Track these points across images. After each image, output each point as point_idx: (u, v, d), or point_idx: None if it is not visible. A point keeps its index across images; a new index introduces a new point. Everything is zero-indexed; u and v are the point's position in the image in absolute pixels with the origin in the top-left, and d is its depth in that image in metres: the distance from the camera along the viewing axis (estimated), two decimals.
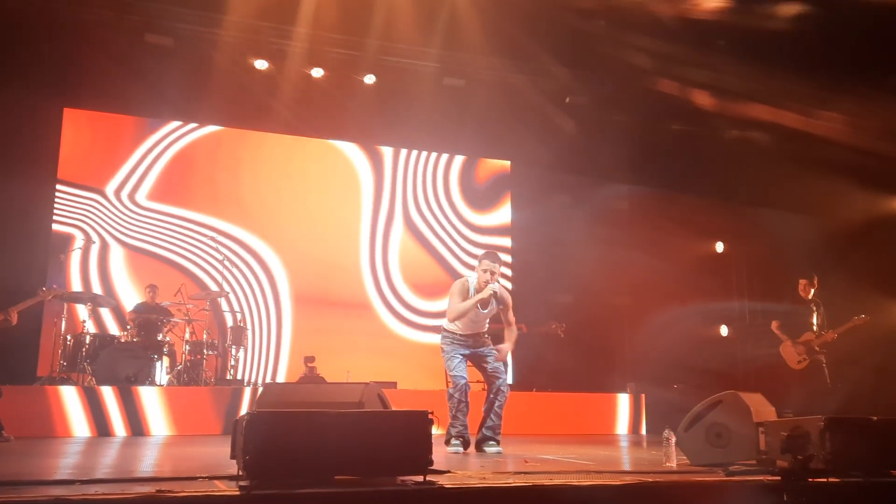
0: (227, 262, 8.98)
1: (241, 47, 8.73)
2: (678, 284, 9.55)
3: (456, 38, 8.17)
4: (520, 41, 8.19)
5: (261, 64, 8.96)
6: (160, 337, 7.81)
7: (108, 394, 6.92)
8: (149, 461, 4.55)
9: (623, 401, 8.68)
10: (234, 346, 8.34)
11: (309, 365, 8.62)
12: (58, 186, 8.97)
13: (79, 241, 8.81)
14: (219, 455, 4.51)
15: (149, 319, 7.88)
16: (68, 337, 7.60)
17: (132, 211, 9.27)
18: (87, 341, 7.48)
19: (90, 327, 7.81)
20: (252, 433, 3.26)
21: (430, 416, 3.71)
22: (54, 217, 8.88)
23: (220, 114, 9.37)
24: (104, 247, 9.04)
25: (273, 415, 3.35)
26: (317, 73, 9.20)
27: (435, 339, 6.45)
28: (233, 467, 3.36)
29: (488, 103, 9.54)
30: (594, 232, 9.94)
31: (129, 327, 7.92)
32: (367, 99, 9.42)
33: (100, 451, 5.27)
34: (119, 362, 7.42)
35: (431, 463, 3.54)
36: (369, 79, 9.31)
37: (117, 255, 9.14)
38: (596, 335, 9.82)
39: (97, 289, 8.80)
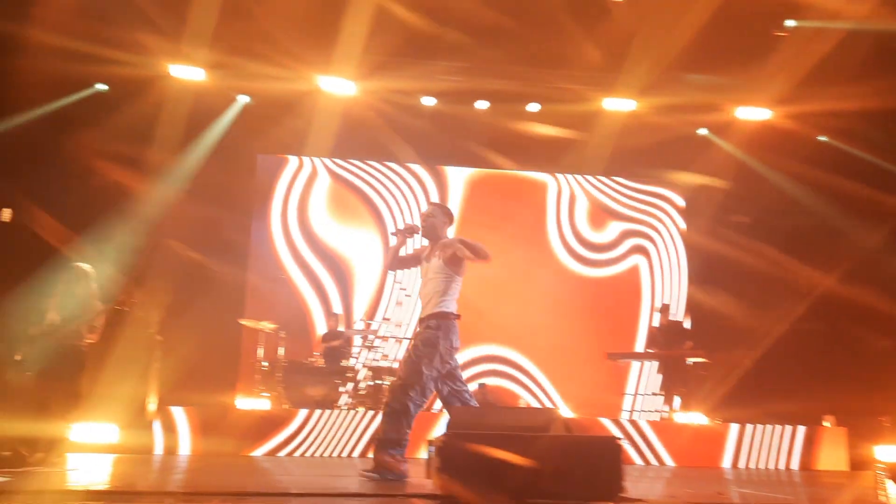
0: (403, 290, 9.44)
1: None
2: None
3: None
4: None
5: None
6: (344, 362, 8.28)
7: (303, 415, 7.37)
8: (346, 480, 4.80)
9: (821, 433, 8.00)
10: None
11: (482, 393, 8.77)
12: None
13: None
14: (412, 474, 4.67)
15: (333, 346, 8.39)
16: (264, 363, 8.24)
17: (311, 239, 9.99)
18: (282, 366, 8.06)
19: (282, 352, 8.41)
20: (447, 454, 3.41)
21: (618, 442, 3.69)
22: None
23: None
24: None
25: (467, 437, 3.47)
26: (482, 105, 9.45)
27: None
28: (428, 486, 3.50)
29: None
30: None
31: (316, 353, 8.46)
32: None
33: (297, 469, 5.64)
34: (308, 386, 7.93)
35: (624, 490, 3.51)
36: (533, 107, 9.45)
37: (303, 284, 9.84)
38: (786, 361, 9.19)
39: (289, 314, 9.45)
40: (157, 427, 6.99)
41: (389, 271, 5.06)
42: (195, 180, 9.36)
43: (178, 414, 7.03)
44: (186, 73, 8.78)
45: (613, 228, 10.65)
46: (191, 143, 9.28)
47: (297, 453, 7.11)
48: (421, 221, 5.03)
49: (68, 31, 7.36)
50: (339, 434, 7.28)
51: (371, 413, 7.36)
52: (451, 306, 4.84)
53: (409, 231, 5.00)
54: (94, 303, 5.87)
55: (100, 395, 6.86)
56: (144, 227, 8.64)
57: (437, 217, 5.02)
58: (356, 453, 7.20)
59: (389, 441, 4.61)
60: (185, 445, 6.97)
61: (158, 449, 6.93)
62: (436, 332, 4.73)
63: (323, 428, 7.28)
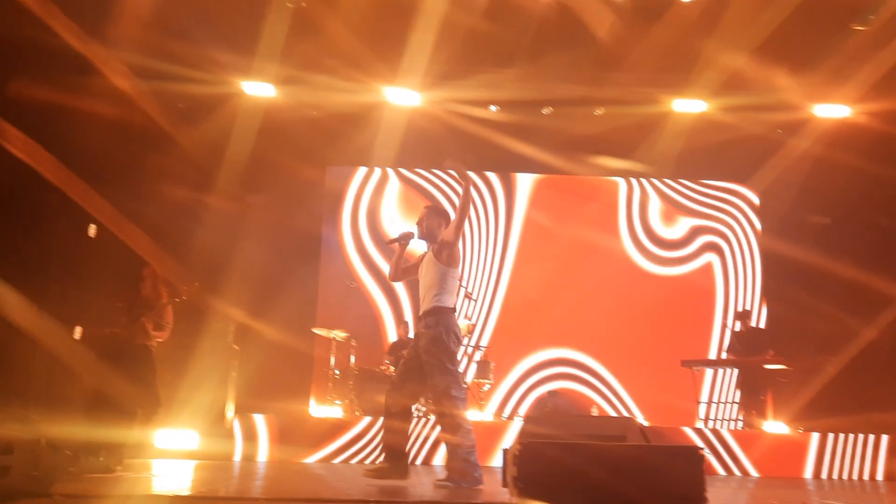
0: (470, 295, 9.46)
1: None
2: None
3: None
4: None
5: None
6: None
7: (375, 423, 7.43)
8: (421, 488, 4.81)
9: None
10: (480, 380, 8.65)
11: (553, 399, 8.68)
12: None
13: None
14: (486, 482, 4.66)
15: (403, 354, 8.42)
16: (336, 371, 8.37)
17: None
18: (354, 375, 8.16)
19: (353, 360, 8.53)
20: (524, 463, 3.38)
21: (701, 452, 3.59)
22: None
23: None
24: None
25: (546, 445, 3.43)
26: (546, 110, 9.40)
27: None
28: (505, 494, 3.47)
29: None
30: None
31: (387, 361, 8.54)
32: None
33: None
34: (380, 394, 7.98)
35: (706, 501, 3.42)
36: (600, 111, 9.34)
37: (373, 292, 9.95)
38: (870, 369, 8.79)
39: (360, 322, 9.56)
40: (238, 433, 7.18)
41: (393, 283, 5.06)
42: (267, 193, 9.62)
43: (258, 421, 7.21)
44: (257, 89, 9.02)
45: (685, 225, 10.37)
46: (261, 156, 9.52)
47: (369, 460, 7.18)
48: (417, 226, 5.06)
49: (143, 49, 7.63)
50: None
51: (433, 419, 7.38)
52: (448, 301, 4.84)
53: (405, 238, 5.03)
54: (160, 302, 6.07)
55: (180, 402, 7.12)
56: (218, 239, 8.91)
57: (431, 219, 5.03)
58: (419, 460, 7.22)
59: (457, 446, 4.60)
60: (263, 452, 7.14)
61: (237, 455, 7.12)
62: (436, 328, 4.74)
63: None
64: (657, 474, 3.50)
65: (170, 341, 6.20)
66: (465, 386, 4.73)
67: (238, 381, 7.73)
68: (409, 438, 5.01)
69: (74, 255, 8.06)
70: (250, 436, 7.20)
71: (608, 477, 3.44)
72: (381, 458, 5.05)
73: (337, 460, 7.18)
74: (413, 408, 5.05)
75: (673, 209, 10.40)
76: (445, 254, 4.84)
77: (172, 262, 7.71)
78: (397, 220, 10.21)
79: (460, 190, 9.96)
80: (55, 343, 6.98)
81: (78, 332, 7.90)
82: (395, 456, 4.81)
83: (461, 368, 4.71)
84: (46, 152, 7.17)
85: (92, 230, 8.63)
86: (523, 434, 3.99)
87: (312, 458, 7.17)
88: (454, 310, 4.87)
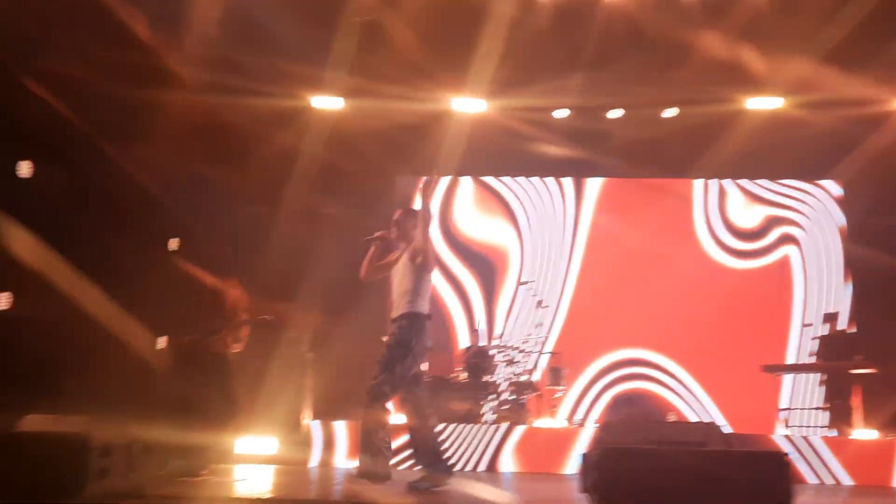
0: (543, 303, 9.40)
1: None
2: None
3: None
4: None
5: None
6: (486, 378, 8.32)
7: (458, 431, 7.47)
8: (509, 494, 4.81)
9: None
10: (554, 386, 8.58)
11: (628, 407, 8.54)
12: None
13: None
14: (559, 489, 4.63)
15: (475, 361, 8.45)
16: None
17: (451, 256, 10.13)
18: (426, 382, 8.19)
19: (425, 368, 8.56)
20: (604, 469, 3.34)
21: (787, 458, 3.49)
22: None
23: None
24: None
25: (626, 451, 3.39)
26: (614, 114, 9.29)
27: None
28: (583, 501, 3.44)
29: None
30: None
31: (459, 369, 8.57)
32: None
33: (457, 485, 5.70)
34: (452, 402, 8.03)
35: None
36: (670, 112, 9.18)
37: (444, 300, 10.01)
38: None
39: (431, 330, 9.58)
40: (315, 439, 7.33)
41: (365, 281, 5.12)
42: (338, 204, 9.77)
43: (334, 428, 7.35)
44: (326, 102, 9.22)
45: (761, 213, 10.01)
46: (331, 168, 9.71)
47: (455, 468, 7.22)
48: (393, 227, 5.09)
49: (215, 64, 7.87)
50: (473, 447, 7.34)
51: (504, 427, 7.38)
52: (422, 306, 4.90)
53: (380, 238, 5.06)
54: (239, 318, 6.28)
55: (259, 409, 7.33)
56: (292, 250, 9.12)
57: (407, 221, 5.07)
58: (482, 467, 7.24)
59: (367, 442, 4.63)
60: (340, 458, 7.27)
61: (314, 461, 7.26)
62: (407, 333, 4.79)
63: (463, 441, 7.38)
64: (742, 481, 3.41)
65: (248, 350, 6.39)
66: (396, 395, 4.82)
67: (314, 388, 7.88)
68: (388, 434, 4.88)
69: (157, 265, 8.40)
70: (327, 442, 7.34)
71: (691, 483, 3.37)
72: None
73: (402, 467, 7.23)
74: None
75: (749, 200, 10.05)
76: (420, 258, 4.88)
77: (250, 274, 7.92)
78: (467, 226, 10.24)
79: (513, 198, 10.02)
80: (143, 350, 7.30)
81: (163, 342, 8.22)
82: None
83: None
84: (123, 166, 7.50)
85: (173, 243, 8.97)
86: (601, 439, 3.95)
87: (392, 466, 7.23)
88: (429, 316, 4.95)
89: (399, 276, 4.98)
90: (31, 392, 6.25)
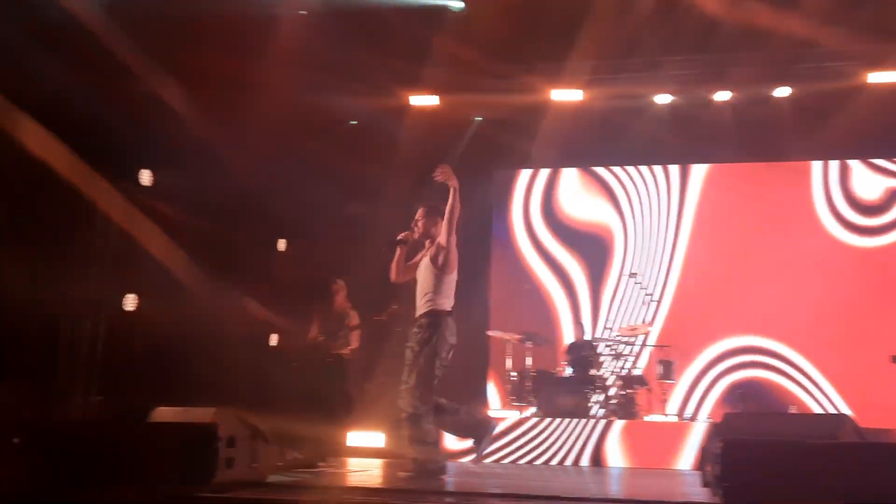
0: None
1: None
2: None
3: None
4: None
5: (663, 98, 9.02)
6: (593, 372, 8.17)
7: (563, 426, 7.39)
8: (618, 487, 4.72)
9: None
10: (664, 380, 8.33)
11: (743, 399, 8.21)
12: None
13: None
14: (674, 484, 4.48)
15: (581, 355, 8.32)
16: (513, 374, 8.40)
17: (553, 248, 10.02)
18: (531, 377, 8.15)
19: (529, 363, 8.50)
20: (729, 462, 3.20)
21: None
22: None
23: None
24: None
25: (752, 443, 3.24)
26: (722, 96, 8.92)
27: None
28: (705, 495, 3.31)
29: None
30: None
31: (564, 363, 8.46)
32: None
33: (572, 478, 5.64)
34: (559, 397, 7.94)
35: None
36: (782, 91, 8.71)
37: (546, 293, 9.90)
38: None
39: (534, 324, 9.49)
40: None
41: (398, 282, 5.08)
42: (435, 201, 9.82)
43: None
44: (423, 100, 9.28)
45: (882, 184, 9.27)
46: (428, 165, 9.77)
47: (541, 460, 7.23)
48: (413, 226, 5.07)
49: (310, 63, 8.02)
50: (580, 441, 7.23)
51: (612, 421, 7.21)
52: (444, 303, 4.85)
53: (403, 241, 5.03)
54: (350, 315, 6.51)
55: (368, 404, 7.50)
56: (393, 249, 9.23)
57: (428, 220, 5.03)
58: (586, 461, 7.14)
59: (422, 442, 4.70)
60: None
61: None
62: (428, 331, 4.75)
63: (569, 435, 7.29)
64: (875, 473, 3.19)
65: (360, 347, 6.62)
66: (426, 407, 4.85)
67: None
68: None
69: (267, 267, 8.73)
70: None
71: (823, 477, 3.18)
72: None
73: (506, 460, 7.20)
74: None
75: (875, 174, 9.30)
76: (441, 258, 4.83)
77: (356, 274, 8.07)
78: (570, 218, 10.07)
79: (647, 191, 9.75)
80: (262, 348, 7.62)
81: (274, 339, 8.55)
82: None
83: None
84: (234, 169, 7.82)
85: (282, 244, 9.28)
86: (723, 432, 3.79)
87: (491, 458, 7.25)
88: (450, 313, 4.89)
89: (421, 276, 4.97)
90: (160, 385, 6.65)
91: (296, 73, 7.88)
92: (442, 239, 4.86)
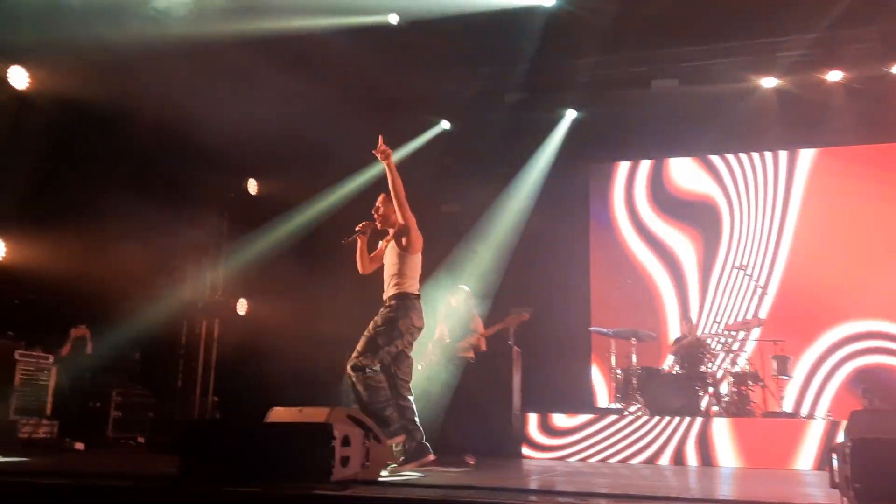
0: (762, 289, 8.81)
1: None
2: None
3: None
4: None
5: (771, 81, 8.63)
6: (703, 369, 7.91)
7: (672, 424, 7.18)
8: (730, 487, 4.56)
9: None
10: (779, 376, 7.96)
11: (868, 396, 7.74)
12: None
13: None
14: (794, 485, 4.28)
15: (689, 352, 8.06)
16: (618, 371, 8.22)
17: (656, 243, 9.74)
18: (637, 374, 7.96)
19: (634, 360, 8.30)
20: (860, 461, 3.03)
21: None
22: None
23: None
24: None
25: (888, 442, 3.05)
26: (834, 76, 8.47)
27: None
28: (834, 496, 3.15)
29: None
30: None
31: (671, 359, 8.22)
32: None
33: (682, 478, 5.49)
34: (667, 394, 7.71)
35: None
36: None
37: (650, 288, 9.66)
38: None
39: (638, 319, 9.27)
40: (525, 431, 7.42)
41: (366, 274, 4.98)
42: (535, 199, 9.77)
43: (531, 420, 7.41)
44: (514, 97, 9.27)
45: None
46: (526, 163, 9.76)
47: (639, 459, 7.08)
48: (373, 213, 5.05)
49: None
50: (689, 439, 7.01)
51: (723, 419, 6.94)
52: (410, 286, 4.89)
53: (366, 228, 4.99)
54: (475, 320, 6.72)
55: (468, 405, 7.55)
56: (495, 250, 9.28)
57: (387, 205, 5.01)
58: (693, 461, 6.91)
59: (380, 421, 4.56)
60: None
61: (525, 450, 7.35)
62: (394, 311, 4.80)
63: (677, 434, 7.08)
64: None
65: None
66: (375, 372, 4.78)
67: (522, 382, 7.93)
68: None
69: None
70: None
71: None
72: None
73: (612, 459, 7.06)
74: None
75: None
76: (404, 240, 4.89)
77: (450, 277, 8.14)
78: (668, 212, 9.81)
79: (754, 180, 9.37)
80: None
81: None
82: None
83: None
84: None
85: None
86: (852, 430, 3.59)
87: (596, 458, 7.15)
88: (418, 296, 4.92)
89: (388, 261, 5.00)
90: (276, 387, 6.94)
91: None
92: (397, 217, 4.90)
